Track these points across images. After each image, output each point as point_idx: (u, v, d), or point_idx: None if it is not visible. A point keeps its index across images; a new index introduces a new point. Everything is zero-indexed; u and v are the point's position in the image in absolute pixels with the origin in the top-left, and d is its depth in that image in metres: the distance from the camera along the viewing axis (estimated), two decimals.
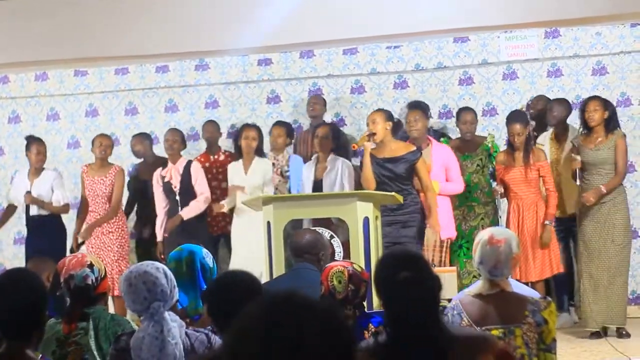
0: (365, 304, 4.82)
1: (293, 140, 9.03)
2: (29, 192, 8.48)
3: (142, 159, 9.43)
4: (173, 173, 8.43)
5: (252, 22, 9.07)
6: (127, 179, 9.09)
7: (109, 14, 9.33)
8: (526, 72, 9.52)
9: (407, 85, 9.73)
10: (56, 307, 4.12)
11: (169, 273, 3.76)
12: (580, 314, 8.20)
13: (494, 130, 9.22)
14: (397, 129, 7.70)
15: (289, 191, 8.37)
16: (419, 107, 8.20)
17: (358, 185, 7.87)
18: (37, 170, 8.66)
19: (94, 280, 4.15)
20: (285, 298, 1.82)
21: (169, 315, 3.62)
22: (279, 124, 9.03)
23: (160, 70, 10.14)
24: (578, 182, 7.66)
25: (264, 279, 6.36)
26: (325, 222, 7.24)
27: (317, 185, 8.02)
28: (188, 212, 8.33)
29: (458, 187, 7.91)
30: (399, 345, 2.90)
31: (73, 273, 4.14)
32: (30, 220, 8.65)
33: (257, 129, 8.51)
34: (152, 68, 10.14)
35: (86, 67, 10.17)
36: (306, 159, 8.45)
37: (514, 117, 8.01)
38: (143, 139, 9.43)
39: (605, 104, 7.79)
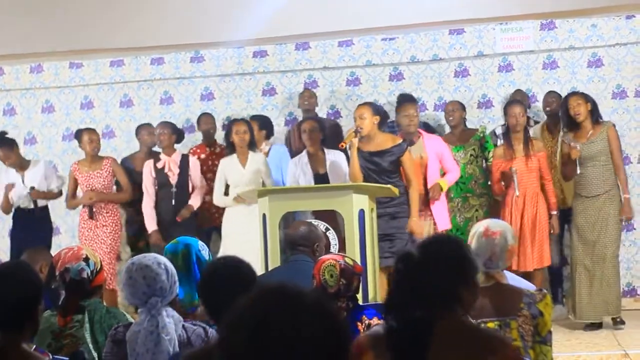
0: (360, 296, 4.82)
1: (283, 135, 8.95)
2: (33, 188, 8.51)
3: (136, 151, 9.34)
4: (171, 166, 8.40)
5: (247, 14, 9.06)
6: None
7: (104, 7, 9.31)
8: (522, 64, 9.52)
9: (402, 77, 9.72)
10: (51, 299, 4.11)
11: (171, 269, 3.74)
12: (569, 305, 8.22)
13: (489, 123, 9.22)
14: (384, 122, 7.68)
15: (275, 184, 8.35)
16: (413, 100, 8.18)
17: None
18: (22, 163, 8.68)
19: (89, 274, 4.14)
20: (276, 289, 1.81)
21: (165, 311, 3.62)
22: (252, 118, 8.94)
23: (155, 62, 10.12)
24: (579, 171, 7.65)
25: (259, 271, 6.36)
26: (325, 215, 7.23)
27: (324, 179, 7.91)
28: (196, 203, 8.40)
29: (456, 174, 7.92)
30: (397, 332, 2.86)
31: (69, 266, 4.14)
32: (17, 213, 8.66)
33: (247, 123, 8.41)
34: (147, 60, 10.12)
35: (81, 59, 10.16)
36: (297, 154, 8.41)
37: (513, 100, 8.17)
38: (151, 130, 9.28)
39: (586, 97, 7.81)
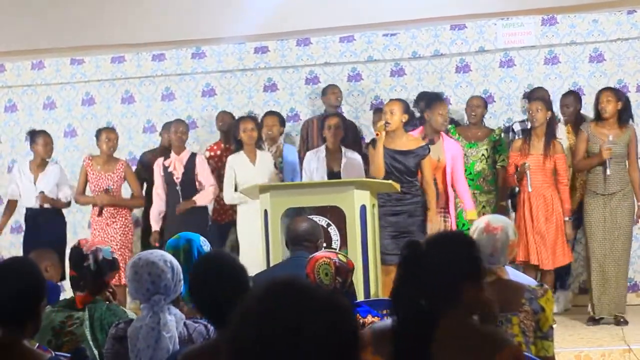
0: (362, 292, 4.80)
1: (295, 131, 8.94)
2: (42, 192, 8.46)
3: (156, 147, 9.30)
4: (176, 164, 8.41)
5: (248, 9, 9.07)
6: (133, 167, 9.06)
7: (105, 3, 9.32)
8: (523, 60, 9.50)
9: (404, 73, 9.71)
10: (52, 296, 4.11)
11: (176, 266, 3.72)
12: (573, 301, 8.23)
13: (490, 118, 9.21)
14: (409, 123, 7.65)
15: (282, 181, 8.33)
16: (443, 98, 8.10)
17: (368, 176, 7.76)
18: (42, 162, 8.62)
19: (117, 258, 4.25)
20: (285, 284, 1.81)
21: (168, 309, 3.61)
22: (271, 113, 8.90)
23: (156, 58, 10.11)
24: (608, 172, 7.59)
25: (261, 267, 6.36)
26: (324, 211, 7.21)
27: (336, 177, 7.90)
28: (201, 199, 8.39)
29: (470, 197, 7.87)
30: (403, 329, 2.84)
31: (100, 247, 4.19)
32: (30, 213, 8.63)
33: (254, 120, 8.44)
34: (149, 56, 10.11)
35: (83, 55, 10.15)
36: (312, 149, 8.41)
37: (533, 94, 8.19)
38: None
39: (618, 95, 7.75)
